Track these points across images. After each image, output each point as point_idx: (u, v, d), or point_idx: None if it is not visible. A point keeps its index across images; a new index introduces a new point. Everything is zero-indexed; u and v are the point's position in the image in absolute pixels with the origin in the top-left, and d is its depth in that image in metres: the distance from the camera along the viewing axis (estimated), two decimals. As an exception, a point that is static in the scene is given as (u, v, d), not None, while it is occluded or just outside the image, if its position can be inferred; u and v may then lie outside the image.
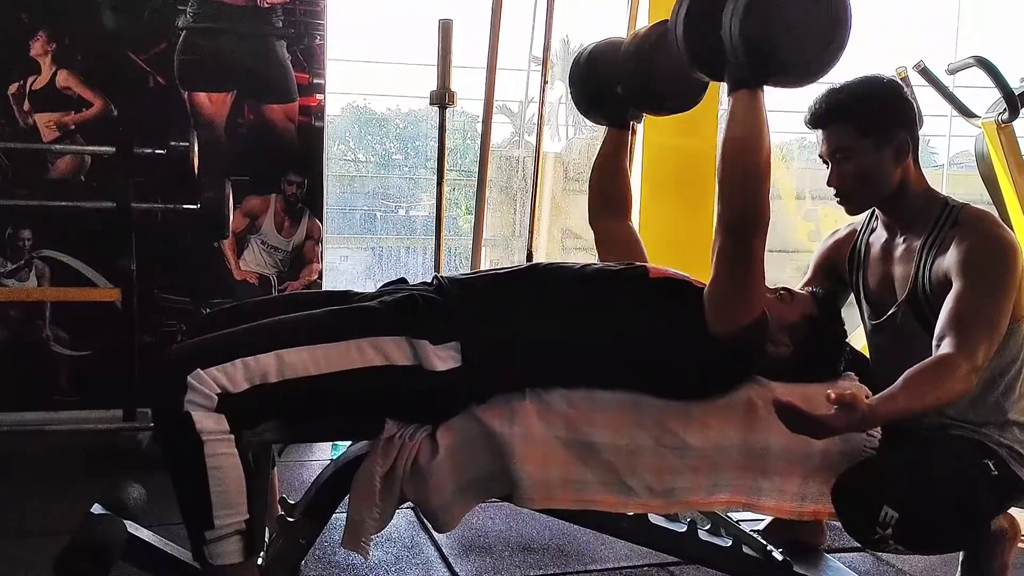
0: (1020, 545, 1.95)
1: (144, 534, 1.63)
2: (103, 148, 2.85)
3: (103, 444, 2.85)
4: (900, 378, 1.57)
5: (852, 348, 1.91)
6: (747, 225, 1.59)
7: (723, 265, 1.63)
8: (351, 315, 1.60)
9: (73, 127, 3.03)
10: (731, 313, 1.63)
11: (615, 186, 2.12)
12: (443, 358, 1.56)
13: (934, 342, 1.65)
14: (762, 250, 1.62)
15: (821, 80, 1.63)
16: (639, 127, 3.53)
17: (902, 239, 1.85)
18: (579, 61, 2.12)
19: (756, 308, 1.65)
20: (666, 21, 1.98)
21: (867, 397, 1.67)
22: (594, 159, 2.16)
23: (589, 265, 1.85)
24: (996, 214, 2.98)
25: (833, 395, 1.46)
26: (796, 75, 1.59)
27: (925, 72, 3.40)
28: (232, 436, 1.46)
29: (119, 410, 2.84)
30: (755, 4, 1.51)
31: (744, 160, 1.57)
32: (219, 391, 1.44)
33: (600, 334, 1.66)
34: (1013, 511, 1.88)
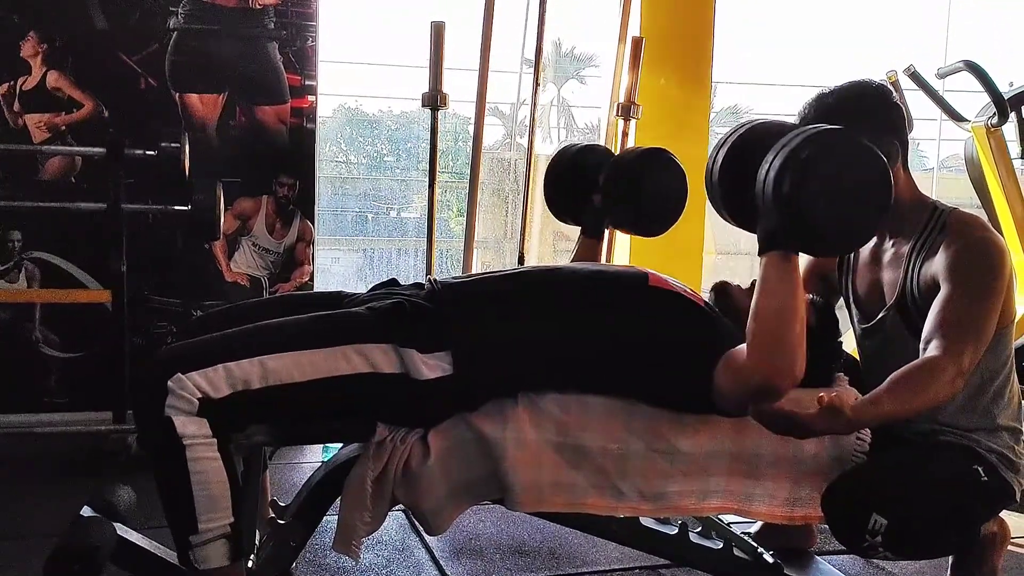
0: (1009, 548, 1.96)
1: (133, 537, 1.62)
2: (94, 149, 2.83)
3: (92, 446, 2.83)
4: (886, 381, 1.58)
5: (845, 352, 1.92)
6: (776, 389, 1.51)
7: (743, 395, 1.55)
8: (338, 321, 1.60)
9: (64, 128, 3.02)
10: (738, 403, 1.59)
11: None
12: (431, 366, 1.55)
13: (921, 345, 1.65)
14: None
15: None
16: (628, 127, 3.54)
17: (891, 244, 1.86)
18: (560, 162, 2.18)
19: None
20: (654, 148, 2.08)
21: (856, 400, 1.68)
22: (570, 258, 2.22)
23: (585, 267, 1.85)
24: (985, 218, 3.00)
25: (825, 399, 1.47)
26: (825, 241, 1.51)
27: (915, 76, 3.42)
28: (215, 440, 1.46)
29: (109, 412, 2.83)
30: (791, 165, 1.43)
31: (777, 329, 1.49)
32: (200, 396, 1.44)
33: (594, 338, 1.65)
34: (1003, 514, 1.89)
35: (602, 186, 2.08)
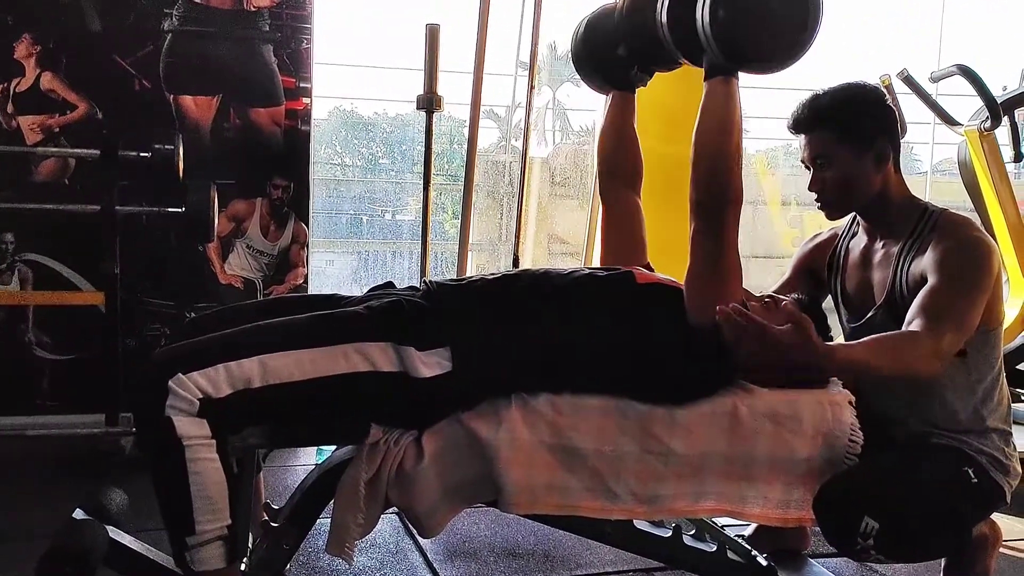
0: (1001, 550, 1.96)
1: (126, 539, 1.61)
2: (87, 151, 2.83)
3: (85, 449, 2.83)
4: (865, 338, 1.60)
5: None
6: (720, 205, 1.62)
7: (699, 250, 1.66)
8: (337, 320, 1.60)
9: (57, 130, 3.01)
10: (709, 300, 1.63)
11: (625, 151, 2.10)
12: (429, 364, 1.56)
13: (903, 326, 1.67)
14: (735, 233, 1.64)
15: (793, 66, 1.65)
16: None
17: (881, 244, 1.87)
18: (577, 32, 2.10)
19: (734, 295, 1.66)
20: None
21: (850, 403, 1.69)
22: (600, 127, 2.14)
23: (577, 270, 1.85)
24: (978, 221, 3.01)
25: (789, 305, 1.50)
26: (766, 61, 1.62)
27: (909, 80, 3.43)
28: (214, 441, 1.46)
29: (102, 415, 2.82)
30: None
31: (716, 141, 1.61)
32: (201, 396, 1.44)
33: (587, 339, 1.66)
34: (994, 516, 1.90)
35: (622, 31, 1.98)
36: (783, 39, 1.59)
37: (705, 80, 1.65)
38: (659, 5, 1.69)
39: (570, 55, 2.16)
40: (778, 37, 1.59)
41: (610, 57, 2.02)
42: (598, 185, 2.14)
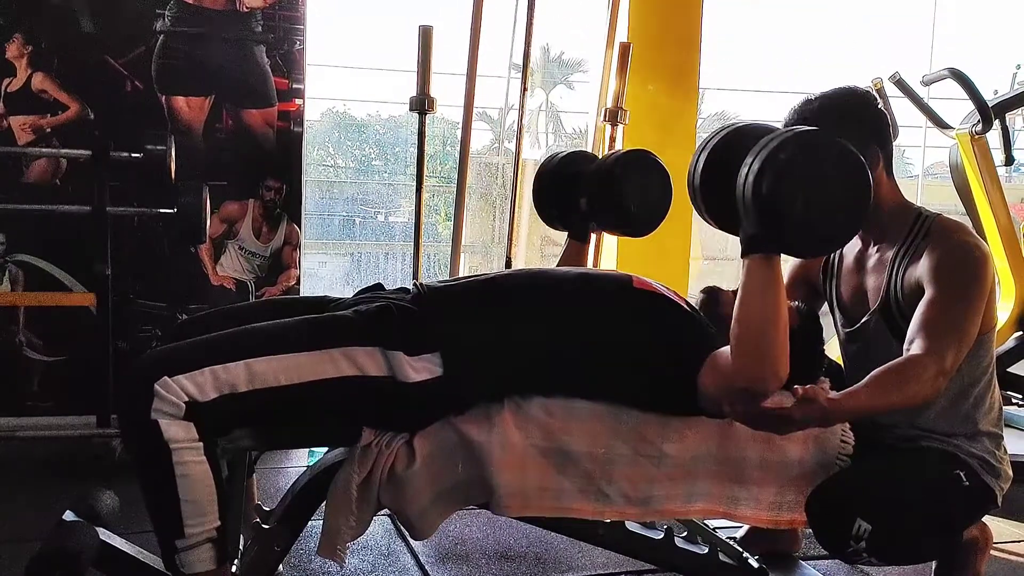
0: (992, 553, 1.97)
1: (116, 541, 1.61)
2: (79, 151, 2.82)
3: (76, 450, 2.82)
4: (867, 376, 1.59)
5: (829, 358, 1.92)
6: (760, 392, 1.51)
7: (727, 397, 1.55)
8: (325, 325, 1.59)
9: (49, 130, 3.00)
10: (723, 402, 1.59)
11: None
12: (419, 369, 1.55)
13: (904, 346, 1.66)
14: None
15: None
16: (616, 131, 3.55)
17: (875, 249, 1.87)
18: (547, 168, 2.21)
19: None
20: (639, 149, 2.12)
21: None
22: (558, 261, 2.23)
23: (570, 272, 1.85)
24: (970, 224, 3.02)
25: (800, 391, 1.47)
26: (805, 243, 1.51)
27: (900, 83, 3.44)
28: (201, 444, 1.45)
29: (92, 416, 2.81)
30: (769, 167, 1.42)
31: (759, 332, 1.49)
32: (187, 399, 1.43)
33: (581, 341, 1.66)
34: (985, 519, 1.90)
35: (586, 190, 2.11)
36: (829, 219, 1.47)
37: (742, 256, 1.52)
38: (694, 164, 1.60)
39: (532, 187, 2.24)
40: (824, 216, 1.46)
41: (571, 205, 2.14)
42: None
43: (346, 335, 1.56)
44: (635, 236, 2.19)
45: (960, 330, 1.65)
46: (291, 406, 1.53)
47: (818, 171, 1.44)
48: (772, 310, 1.49)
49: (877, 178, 1.80)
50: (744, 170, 1.46)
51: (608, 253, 3.74)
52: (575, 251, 2.20)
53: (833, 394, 1.55)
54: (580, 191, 2.13)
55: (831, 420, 1.62)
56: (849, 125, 1.77)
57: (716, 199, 1.57)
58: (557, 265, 2.18)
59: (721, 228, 1.61)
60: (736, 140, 1.56)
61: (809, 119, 1.79)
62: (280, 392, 1.50)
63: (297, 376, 1.50)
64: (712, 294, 1.83)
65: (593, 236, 2.28)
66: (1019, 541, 2.48)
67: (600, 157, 2.14)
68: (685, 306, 1.74)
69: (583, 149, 2.22)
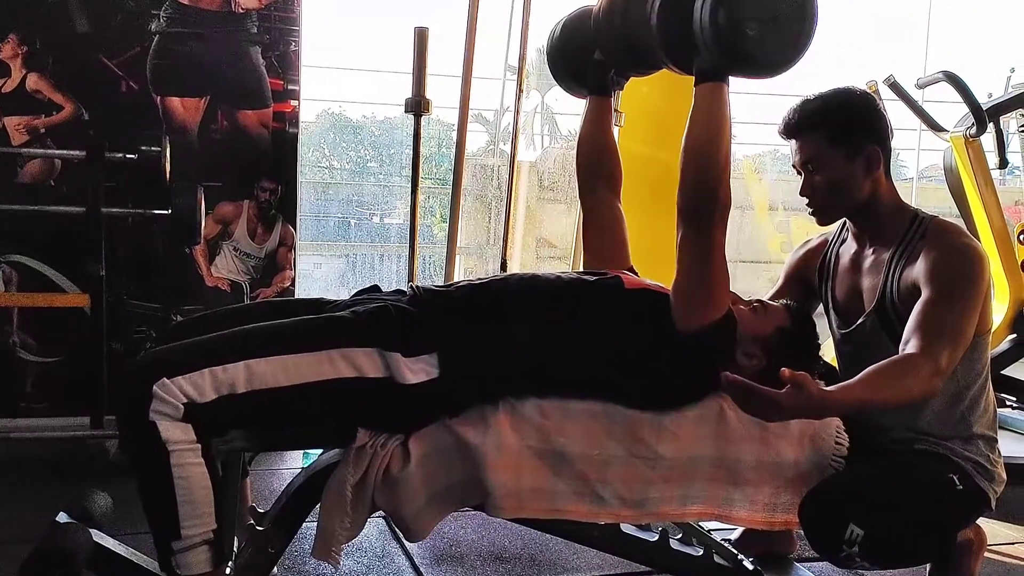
0: (986, 555, 1.97)
1: (110, 543, 1.61)
2: (73, 152, 2.81)
3: (70, 452, 2.81)
4: (862, 372, 1.59)
5: (822, 359, 1.93)
6: (707, 213, 1.61)
7: (686, 257, 1.65)
8: (323, 326, 1.59)
9: (43, 131, 2.99)
10: (696, 307, 1.65)
11: (603, 155, 2.09)
12: (416, 370, 1.55)
13: (900, 346, 1.66)
14: (723, 240, 1.64)
15: (785, 73, 1.65)
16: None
17: (871, 250, 1.87)
18: (553, 35, 2.10)
19: (721, 303, 1.66)
20: None
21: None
22: (578, 132, 2.13)
23: (564, 275, 1.85)
24: (964, 227, 3.03)
25: (787, 372, 1.47)
26: (759, 65, 1.62)
27: (895, 86, 3.45)
28: (199, 446, 1.45)
29: (86, 417, 2.80)
30: None
31: (705, 148, 1.60)
32: (185, 400, 1.43)
33: (575, 344, 1.66)
34: (979, 522, 1.90)
35: (596, 37, 1.97)
36: (781, 42, 1.59)
37: (696, 85, 1.64)
38: (648, 6, 1.68)
39: (545, 58, 2.16)
40: (776, 40, 1.58)
41: (585, 61, 2.03)
42: (578, 190, 2.14)
43: (344, 336, 1.56)
44: (656, 69, 2.00)
45: (956, 331, 1.65)
46: (289, 407, 1.53)
47: None
48: (717, 129, 1.60)
49: (876, 179, 1.81)
50: (699, 3, 1.56)
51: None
52: (597, 107, 2.08)
53: (826, 387, 1.55)
54: (591, 42, 2.00)
55: (823, 412, 1.61)
56: (850, 125, 1.78)
57: (672, 38, 1.65)
58: (581, 132, 2.11)
59: (679, 69, 1.71)
60: None
61: (808, 119, 1.79)
62: (278, 393, 1.50)
63: (296, 377, 1.50)
64: None
65: (616, 92, 2.14)
66: (1014, 543, 2.48)
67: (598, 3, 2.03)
68: None
69: (580, 8, 2.10)
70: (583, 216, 2.12)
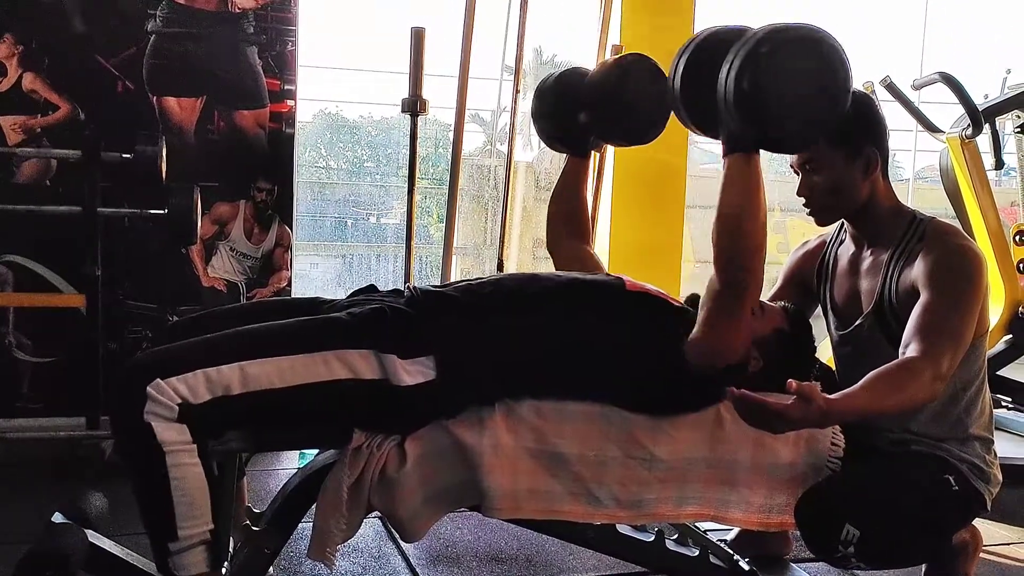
0: (981, 556, 1.97)
1: (106, 544, 1.61)
2: (69, 152, 2.80)
3: (66, 452, 2.80)
4: (864, 378, 1.59)
5: (819, 360, 1.93)
6: (741, 286, 1.57)
7: (712, 318, 1.61)
8: (319, 327, 1.59)
9: (39, 131, 2.99)
10: (712, 359, 1.63)
11: (575, 213, 2.14)
12: (412, 373, 1.55)
13: (900, 349, 1.66)
14: (750, 309, 1.62)
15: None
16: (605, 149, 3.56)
17: (869, 252, 1.87)
18: (544, 87, 2.14)
19: (736, 355, 1.65)
20: (633, 54, 2.05)
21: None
22: (555, 185, 2.18)
23: (563, 275, 1.85)
24: (960, 228, 3.03)
25: (794, 384, 1.46)
26: (787, 137, 1.54)
27: (891, 87, 3.45)
28: (195, 446, 1.45)
29: (82, 418, 2.80)
30: (750, 62, 1.45)
31: (738, 223, 1.54)
32: (180, 402, 1.43)
33: (574, 344, 1.66)
34: (975, 522, 1.91)
35: (585, 102, 2.03)
36: (810, 113, 1.50)
37: (723, 156, 1.56)
38: (673, 71, 1.62)
39: (530, 111, 2.19)
40: (805, 111, 1.50)
41: (571, 122, 2.07)
42: (546, 239, 2.18)
43: (340, 337, 1.56)
44: (637, 143, 2.09)
45: (956, 334, 1.64)
46: (284, 408, 1.53)
47: (799, 63, 1.46)
48: (750, 202, 1.52)
49: (874, 180, 1.81)
50: (725, 67, 1.48)
51: (599, 255, 3.73)
52: (575, 168, 2.12)
53: (830, 395, 1.55)
54: (578, 104, 2.05)
55: (828, 421, 1.62)
56: (848, 126, 1.78)
57: (697, 103, 1.59)
58: (556, 186, 2.14)
59: (703, 133, 1.64)
60: (714, 42, 1.58)
61: None
62: (273, 394, 1.50)
63: (291, 378, 1.50)
64: (696, 298, 1.83)
65: (596, 153, 2.19)
66: (1009, 544, 2.48)
67: (594, 68, 2.07)
68: (679, 305, 1.74)
69: (576, 67, 2.14)
70: (553, 261, 2.16)
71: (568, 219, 2.14)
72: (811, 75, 1.47)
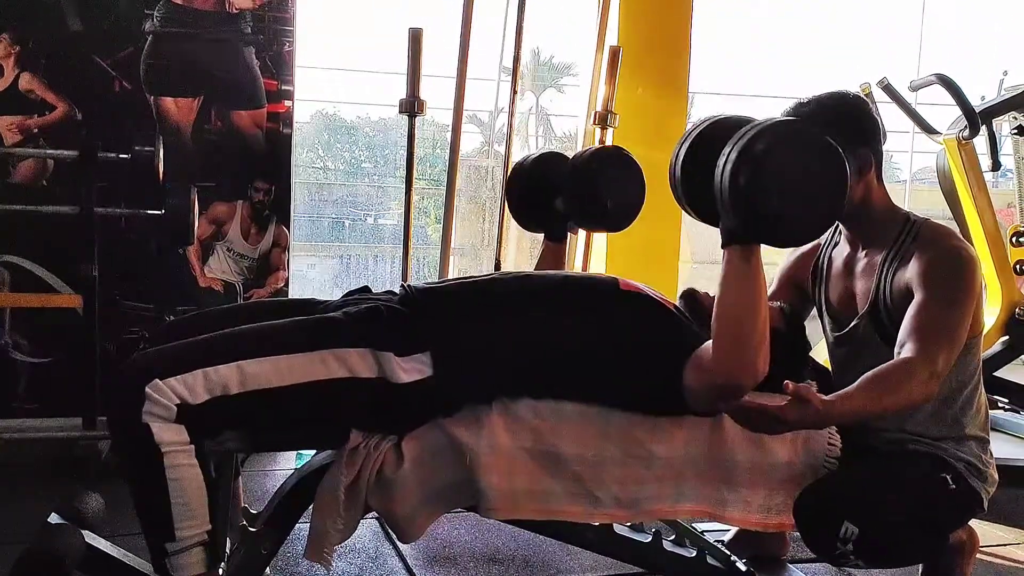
0: (978, 556, 1.98)
1: (102, 544, 1.60)
2: (66, 152, 2.80)
3: (62, 453, 2.80)
4: (860, 379, 1.59)
5: (815, 360, 1.93)
6: (741, 386, 1.52)
7: (710, 393, 1.58)
8: (315, 326, 1.59)
9: (36, 131, 2.99)
10: (712, 404, 1.62)
11: None
12: (409, 370, 1.55)
13: (896, 349, 1.67)
14: (750, 388, 1.55)
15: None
16: (605, 136, 3.56)
17: (864, 253, 1.88)
18: (522, 169, 2.21)
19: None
20: (614, 146, 2.12)
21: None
22: (536, 264, 2.23)
23: (559, 274, 1.85)
24: (956, 229, 3.04)
25: (791, 385, 1.47)
26: (785, 233, 1.51)
27: (888, 89, 3.46)
28: (192, 447, 1.44)
29: (79, 418, 2.79)
30: (747, 156, 1.43)
31: (739, 317, 1.50)
32: (178, 402, 1.42)
33: (567, 343, 1.66)
34: (972, 523, 1.91)
35: (562, 190, 2.10)
36: (808, 209, 1.47)
37: (722, 247, 1.53)
38: (673, 159, 1.62)
39: (505, 192, 2.24)
40: (803, 207, 1.47)
41: (548, 205, 2.14)
42: None
43: (337, 336, 1.56)
44: (612, 231, 2.19)
45: (951, 334, 1.65)
46: (282, 408, 1.53)
47: (795, 162, 1.45)
48: (751, 300, 1.49)
49: (868, 182, 1.81)
50: (721, 161, 1.47)
51: (597, 255, 3.74)
52: (552, 252, 2.20)
53: (827, 396, 1.56)
54: (555, 192, 2.12)
55: (825, 422, 1.63)
56: (842, 128, 1.78)
57: (696, 191, 1.58)
58: (535, 268, 2.19)
59: (703, 220, 1.61)
60: (715, 132, 1.56)
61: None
62: (271, 394, 1.49)
63: (289, 378, 1.50)
64: (690, 295, 1.84)
65: (572, 235, 2.27)
66: (1006, 545, 2.49)
67: (572, 157, 2.13)
68: (671, 307, 1.74)
69: (553, 150, 2.21)
70: None
71: None
72: (808, 174, 1.46)
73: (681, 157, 1.60)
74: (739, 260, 1.50)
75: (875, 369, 1.61)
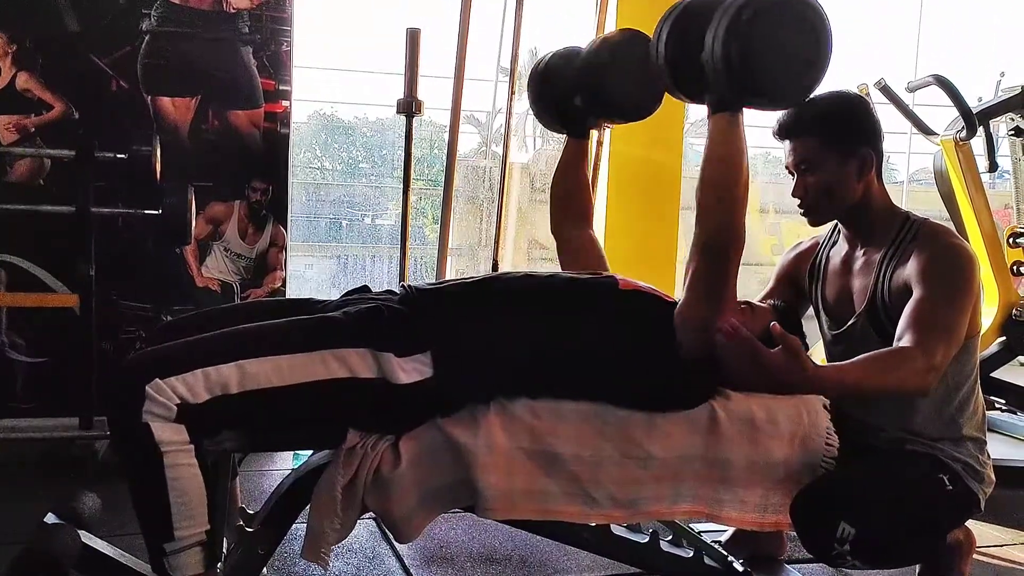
0: (975, 557, 1.98)
1: (99, 544, 1.60)
2: (63, 151, 2.80)
3: (59, 452, 2.80)
4: (857, 357, 1.60)
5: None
6: (723, 247, 1.60)
7: (697, 288, 1.63)
8: (315, 326, 1.59)
9: (33, 130, 2.98)
10: (702, 329, 1.63)
11: (576, 194, 2.15)
12: (408, 370, 1.55)
13: (895, 343, 1.67)
14: (736, 273, 1.63)
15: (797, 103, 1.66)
16: (603, 135, 3.56)
17: (862, 252, 1.88)
18: (536, 72, 2.15)
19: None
20: (624, 29, 2.04)
21: (825, 407, 1.70)
22: (555, 168, 2.18)
23: (557, 274, 1.85)
24: (954, 230, 3.04)
25: (778, 328, 1.50)
26: (774, 98, 1.61)
27: (886, 90, 3.46)
28: (192, 446, 1.44)
29: (76, 418, 2.79)
30: (736, 26, 1.51)
31: (722, 183, 1.58)
32: (178, 401, 1.42)
33: (568, 343, 1.66)
34: (969, 523, 1.91)
35: (579, 85, 2.03)
36: (795, 74, 1.58)
37: (708, 116, 1.62)
38: (657, 37, 1.66)
39: (527, 94, 2.20)
40: (790, 72, 1.58)
41: (567, 104, 2.08)
42: (550, 222, 2.19)
43: (337, 336, 1.55)
44: (635, 119, 2.11)
45: (949, 329, 1.66)
46: (282, 407, 1.53)
47: (782, 28, 1.54)
48: (736, 159, 1.58)
49: (868, 181, 1.82)
50: (710, 36, 1.54)
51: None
52: (575, 148, 2.14)
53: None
54: (572, 87, 2.05)
55: (813, 387, 1.63)
56: (843, 127, 1.79)
57: (681, 69, 1.64)
58: (557, 169, 2.16)
59: (687, 98, 1.69)
60: (695, 7, 1.62)
61: (803, 121, 1.80)
62: (271, 394, 1.49)
63: (289, 377, 1.50)
64: None
65: (595, 134, 2.20)
66: (1003, 545, 2.49)
67: (584, 49, 2.07)
68: (672, 302, 1.75)
69: (571, 46, 2.14)
70: (558, 246, 2.18)
71: (568, 203, 2.15)
72: (795, 38, 1.55)
73: (664, 37, 1.65)
74: (727, 123, 1.59)
75: (873, 351, 1.62)
